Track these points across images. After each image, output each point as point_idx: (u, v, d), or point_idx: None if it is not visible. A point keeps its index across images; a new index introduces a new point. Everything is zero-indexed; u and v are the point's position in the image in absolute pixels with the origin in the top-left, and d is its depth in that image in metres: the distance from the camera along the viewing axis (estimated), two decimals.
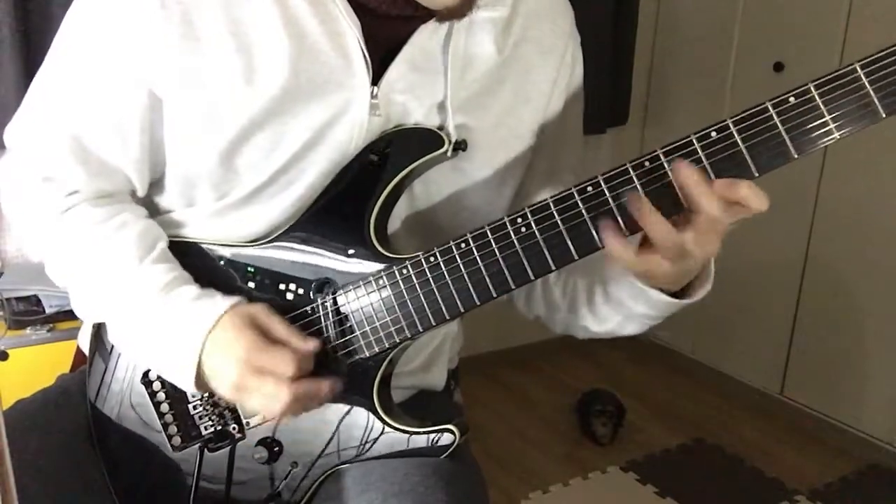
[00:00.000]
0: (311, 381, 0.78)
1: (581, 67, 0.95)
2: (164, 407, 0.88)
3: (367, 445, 0.85)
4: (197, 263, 0.86)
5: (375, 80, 0.81)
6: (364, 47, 0.79)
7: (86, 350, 0.96)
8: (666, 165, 0.69)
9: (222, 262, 0.86)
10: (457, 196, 0.88)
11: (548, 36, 0.90)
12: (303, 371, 0.78)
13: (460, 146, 0.82)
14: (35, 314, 1.73)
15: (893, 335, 2.33)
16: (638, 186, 0.71)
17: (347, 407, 0.84)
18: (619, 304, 0.84)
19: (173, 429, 0.88)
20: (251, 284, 0.85)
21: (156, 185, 0.90)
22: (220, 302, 0.81)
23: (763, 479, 2.33)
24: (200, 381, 0.80)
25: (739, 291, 2.74)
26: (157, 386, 0.88)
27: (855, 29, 2.29)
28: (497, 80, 0.87)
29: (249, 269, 0.85)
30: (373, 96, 0.80)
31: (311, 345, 0.79)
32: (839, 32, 2.32)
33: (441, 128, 0.84)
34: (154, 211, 0.91)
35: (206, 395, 0.87)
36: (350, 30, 0.79)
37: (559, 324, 0.95)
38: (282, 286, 0.84)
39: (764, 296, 2.67)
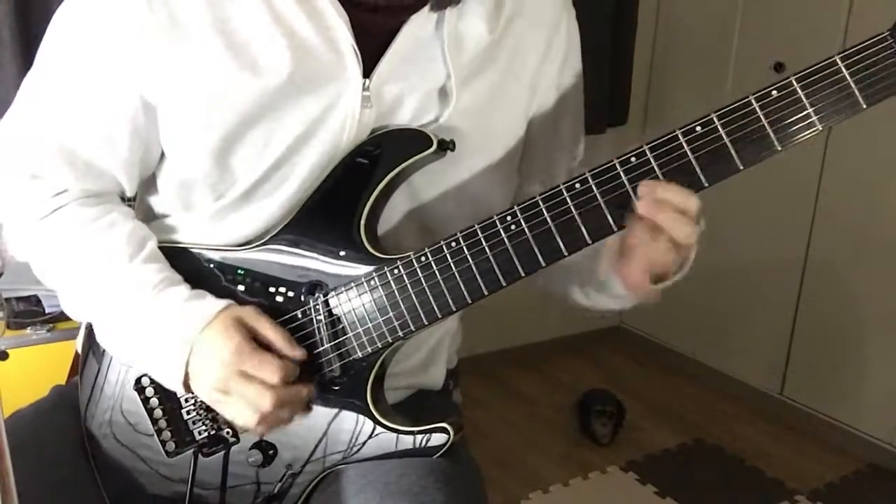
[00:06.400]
0: (293, 387, 0.79)
1: (578, 41, 0.93)
2: (157, 413, 0.88)
3: (355, 449, 0.85)
4: (188, 268, 0.86)
5: (368, 73, 0.81)
6: (353, 40, 0.79)
7: (80, 350, 0.96)
8: (652, 161, 0.70)
9: (213, 267, 0.86)
10: (458, 187, 0.87)
11: (539, 8, 0.88)
12: (288, 378, 0.78)
13: (448, 146, 0.82)
14: (35, 314, 1.72)
15: (893, 335, 2.32)
16: (625, 181, 0.71)
17: (336, 410, 0.84)
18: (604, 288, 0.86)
19: (167, 434, 0.88)
20: (241, 288, 0.85)
21: (153, 189, 0.90)
22: (212, 303, 0.81)
23: (763, 479, 2.33)
24: (186, 381, 0.80)
25: (739, 291, 2.74)
26: (149, 392, 0.87)
27: (855, 29, 2.29)
28: (490, 58, 0.85)
29: (240, 272, 0.85)
30: (364, 88, 0.80)
31: (298, 352, 0.80)
32: (839, 32, 2.32)
33: (437, 118, 0.83)
34: (152, 216, 0.90)
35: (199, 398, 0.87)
36: (339, 24, 0.79)
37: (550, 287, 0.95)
38: (273, 289, 0.84)
39: (764, 296, 2.66)
